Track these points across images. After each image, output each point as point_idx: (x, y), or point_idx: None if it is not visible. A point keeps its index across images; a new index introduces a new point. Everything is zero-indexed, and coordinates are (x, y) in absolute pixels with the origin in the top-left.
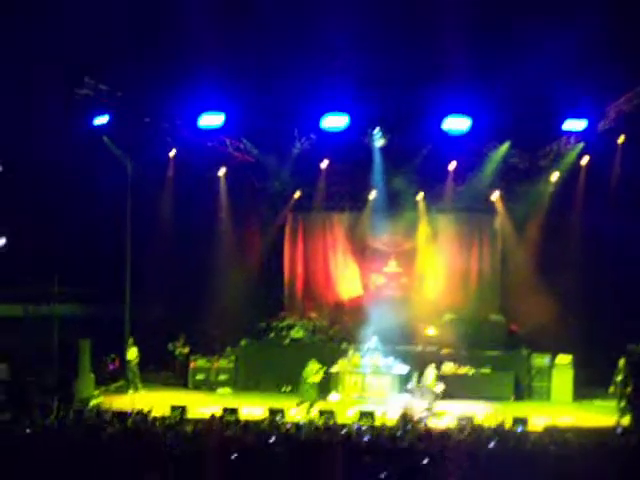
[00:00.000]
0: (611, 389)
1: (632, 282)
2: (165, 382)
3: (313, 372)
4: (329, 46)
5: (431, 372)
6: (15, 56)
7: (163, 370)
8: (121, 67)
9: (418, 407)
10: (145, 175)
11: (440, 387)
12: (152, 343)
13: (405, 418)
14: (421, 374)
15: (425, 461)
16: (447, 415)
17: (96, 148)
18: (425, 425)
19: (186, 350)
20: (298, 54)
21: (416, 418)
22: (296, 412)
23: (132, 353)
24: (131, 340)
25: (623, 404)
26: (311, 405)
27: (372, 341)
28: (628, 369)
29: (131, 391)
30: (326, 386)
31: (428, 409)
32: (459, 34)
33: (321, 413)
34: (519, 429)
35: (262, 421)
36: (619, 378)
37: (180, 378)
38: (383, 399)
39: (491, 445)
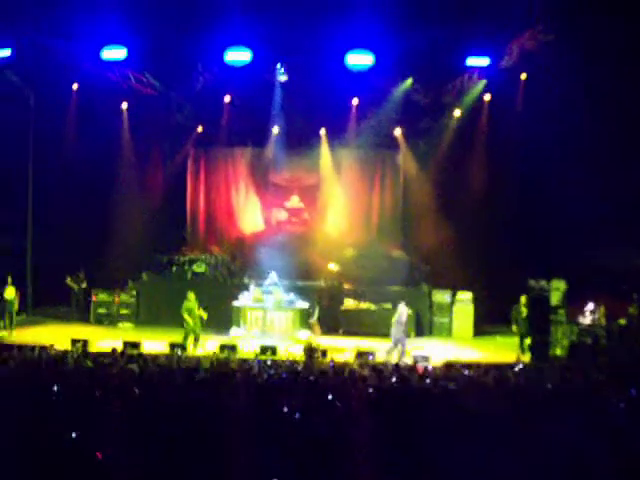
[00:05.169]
0: (514, 327)
1: (530, 219)
2: (65, 317)
3: (195, 304)
4: None
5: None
6: None
7: (62, 305)
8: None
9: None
10: (47, 109)
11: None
12: (51, 277)
13: (308, 353)
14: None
15: (329, 397)
16: (348, 351)
17: None
18: (328, 360)
19: (85, 284)
20: None
21: (318, 353)
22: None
23: (10, 292)
24: (9, 279)
25: (525, 341)
26: (197, 339)
27: (273, 276)
28: (529, 305)
29: (5, 333)
30: (228, 321)
31: None
32: None
33: (222, 347)
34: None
35: (163, 355)
36: (521, 314)
37: (80, 313)
38: (285, 334)
39: (392, 381)
